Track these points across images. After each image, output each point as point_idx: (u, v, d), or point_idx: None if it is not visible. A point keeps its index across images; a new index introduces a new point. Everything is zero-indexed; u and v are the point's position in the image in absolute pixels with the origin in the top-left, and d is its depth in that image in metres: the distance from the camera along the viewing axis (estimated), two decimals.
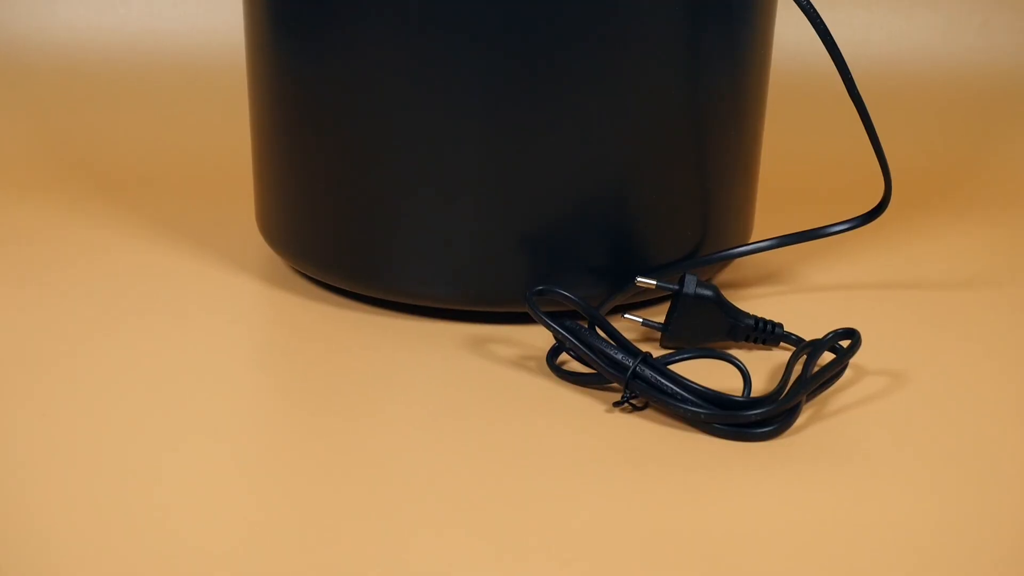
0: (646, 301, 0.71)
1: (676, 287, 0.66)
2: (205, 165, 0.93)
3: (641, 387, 0.59)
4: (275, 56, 0.69)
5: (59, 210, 0.85)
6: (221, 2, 1.10)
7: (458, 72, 0.64)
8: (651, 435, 0.58)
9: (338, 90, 0.66)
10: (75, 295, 0.72)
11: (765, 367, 0.65)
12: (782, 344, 0.67)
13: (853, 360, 0.64)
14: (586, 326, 0.62)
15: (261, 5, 0.69)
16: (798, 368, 0.62)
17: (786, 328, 0.68)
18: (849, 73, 0.67)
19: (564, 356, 0.65)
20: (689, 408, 0.58)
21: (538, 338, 0.67)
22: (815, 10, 0.65)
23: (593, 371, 0.62)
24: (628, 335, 0.67)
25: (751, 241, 0.75)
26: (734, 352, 0.67)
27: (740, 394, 0.60)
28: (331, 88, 0.66)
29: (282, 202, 0.72)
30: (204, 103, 1.02)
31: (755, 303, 0.73)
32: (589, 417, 0.60)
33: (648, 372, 0.60)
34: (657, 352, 0.66)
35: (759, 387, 0.63)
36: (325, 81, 0.67)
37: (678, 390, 0.59)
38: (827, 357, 0.64)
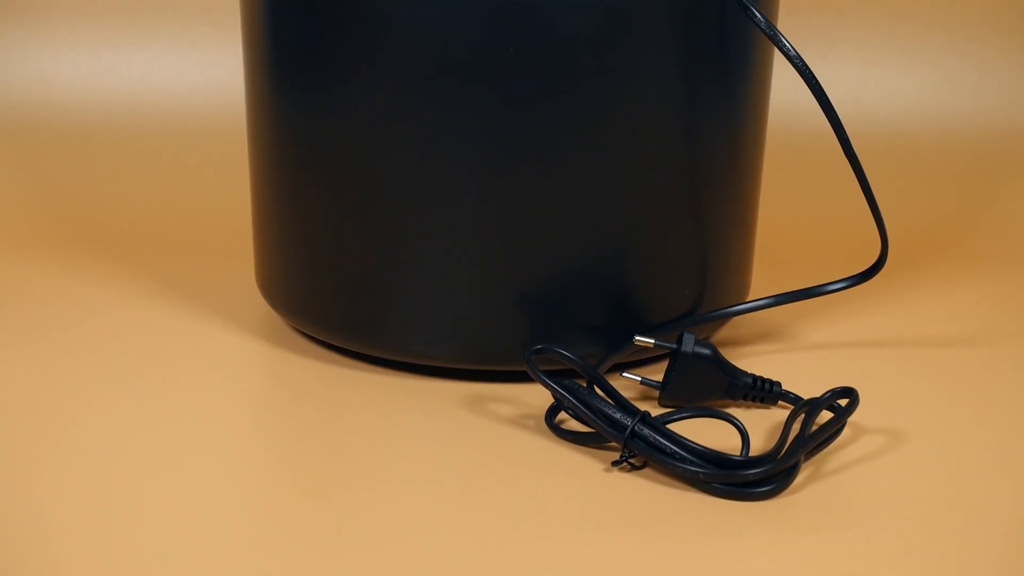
0: (644, 359, 0.71)
1: (674, 346, 0.66)
2: (205, 224, 0.93)
3: (640, 446, 0.59)
4: (274, 115, 0.70)
5: (58, 268, 0.85)
6: (221, 61, 1.10)
7: (457, 133, 0.64)
8: (650, 495, 0.58)
9: (336, 149, 0.67)
10: (73, 354, 0.72)
11: (763, 426, 0.65)
12: (780, 402, 0.67)
13: (851, 419, 0.64)
14: (584, 385, 0.63)
15: (261, 64, 0.70)
16: (796, 427, 0.62)
17: (784, 386, 0.68)
18: (844, 132, 0.67)
19: (563, 415, 0.65)
20: (688, 468, 0.58)
21: (537, 397, 0.67)
22: (811, 71, 0.65)
23: (592, 430, 0.62)
24: (626, 393, 0.67)
25: (749, 299, 0.75)
26: (732, 410, 0.67)
27: (739, 453, 0.60)
28: (329, 147, 0.67)
29: (281, 261, 0.72)
30: (204, 161, 1.03)
31: (753, 361, 0.73)
32: (588, 476, 0.60)
33: (647, 431, 0.60)
34: (656, 411, 0.66)
35: (757, 446, 0.63)
36: (324, 140, 0.67)
37: (677, 449, 0.59)
38: (825, 416, 0.64)
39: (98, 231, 0.92)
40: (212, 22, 1.12)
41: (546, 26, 0.63)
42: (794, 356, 0.74)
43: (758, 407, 0.68)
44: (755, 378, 0.67)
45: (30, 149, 1.04)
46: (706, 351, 0.66)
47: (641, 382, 0.67)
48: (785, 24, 1.11)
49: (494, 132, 0.64)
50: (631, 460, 0.60)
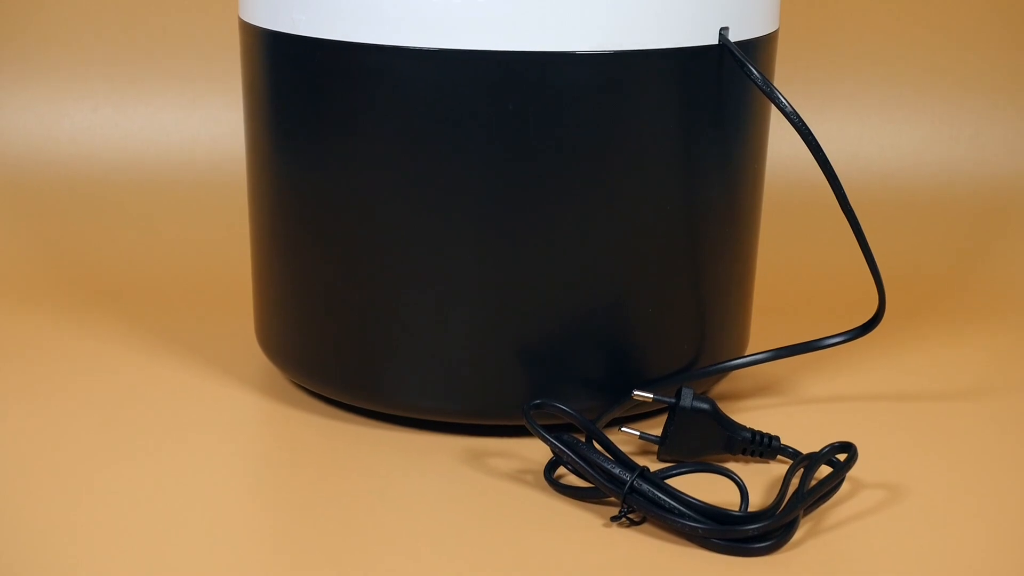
0: (643, 414, 0.71)
1: (673, 400, 0.66)
2: (205, 278, 0.94)
3: (639, 502, 0.59)
4: (274, 170, 0.70)
5: (58, 322, 0.85)
6: (222, 116, 1.11)
7: (455, 189, 0.65)
8: (649, 550, 0.58)
9: (334, 205, 0.67)
10: (72, 409, 0.72)
11: (762, 480, 0.65)
12: (779, 457, 0.67)
13: (850, 473, 0.64)
14: (583, 440, 0.63)
15: (261, 120, 0.71)
16: (795, 482, 0.62)
17: (783, 441, 0.68)
18: (841, 187, 0.67)
19: (562, 470, 0.65)
20: (687, 523, 0.58)
21: (536, 451, 0.67)
22: (807, 126, 0.66)
23: (591, 485, 0.62)
24: (625, 448, 0.67)
25: (747, 353, 0.75)
26: (731, 465, 0.67)
27: (738, 508, 0.60)
28: (328, 203, 0.67)
29: (280, 315, 0.72)
30: (204, 216, 1.03)
31: (751, 415, 0.73)
32: (587, 531, 0.60)
33: (645, 487, 0.60)
34: (655, 465, 0.66)
35: (756, 501, 0.63)
36: (322, 195, 0.67)
37: (676, 505, 0.59)
38: (824, 470, 0.64)
39: (98, 285, 0.92)
40: (213, 78, 1.12)
41: (544, 81, 0.63)
42: (793, 410, 0.74)
43: (757, 461, 0.68)
44: (754, 432, 0.67)
45: (31, 203, 1.05)
46: (705, 406, 0.66)
47: (640, 436, 0.67)
48: (782, 77, 1.12)
49: (492, 187, 0.64)
50: (630, 515, 0.60)
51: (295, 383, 0.76)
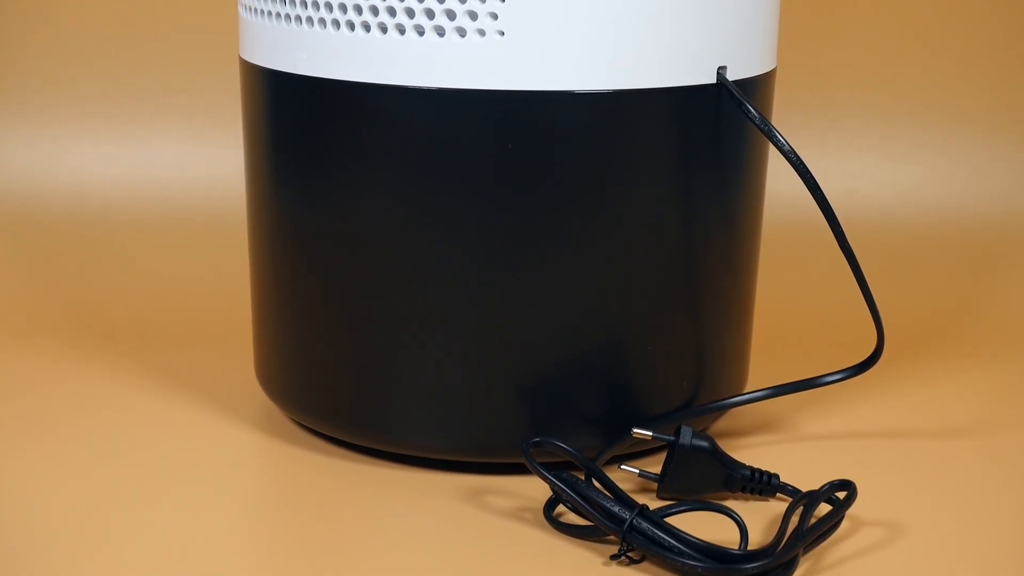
0: (643, 451, 0.71)
1: (672, 438, 0.66)
2: (205, 315, 0.94)
3: (638, 540, 0.59)
4: (274, 207, 0.70)
5: (57, 359, 0.85)
6: (222, 154, 1.11)
7: (454, 227, 0.65)
8: None
9: (333, 242, 0.67)
10: (71, 447, 0.72)
11: (762, 518, 0.65)
12: (778, 495, 0.67)
13: (850, 511, 0.64)
14: (583, 478, 0.63)
15: (262, 158, 0.71)
16: (795, 520, 0.62)
17: (782, 478, 0.68)
18: (839, 227, 0.68)
19: (561, 508, 0.65)
20: (686, 562, 0.58)
21: (535, 489, 0.67)
22: (805, 165, 0.66)
23: (590, 523, 0.62)
24: (625, 486, 0.67)
25: (746, 390, 0.75)
26: (730, 503, 0.67)
27: (737, 546, 0.60)
28: (327, 240, 0.67)
29: (279, 352, 0.72)
30: (204, 253, 1.04)
31: (751, 452, 0.73)
32: (586, 570, 0.60)
33: (645, 525, 0.60)
34: (654, 503, 0.66)
35: (756, 539, 0.63)
36: (321, 233, 0.68)
37: (675, 543, 0.59)
38: (824, 508, 0.64)
39: (98, 322, 0.92)
40: (214, 114, 1.13)
41: (543, 120, 0.63)
42: (792, 447, 0.74)
43: (756, 499, 0.68)
44: (753, 470, 0.67)
45: (31, 240, 1.05)
46: (704, 443, 0.66)
47: (639, 474, 0.67)
48: (780, 114, 1.12)
49: (492, 226, 0.65)
50: (630, 554, 0.60)
51: (294, 420, 0.76)
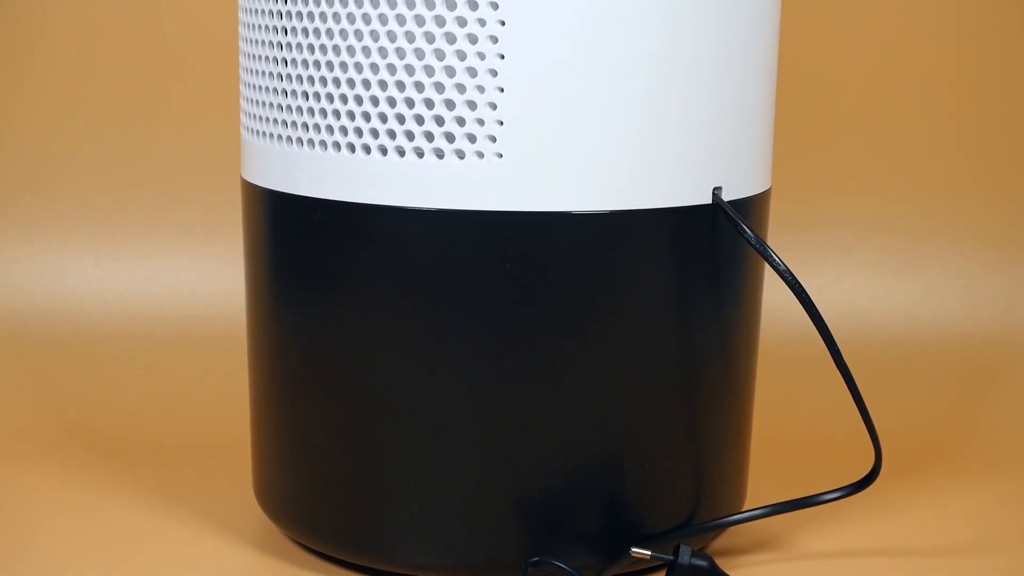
0: (641, 571, 0.71)
1: (671, 557, 0.66)
2: (204, 432, 0.94)
3: None
4: (274, 326, 0.71)
5: (58, 476, 0.85)
6: (223, 270, 1.12)
7: (451, 346, 0.65)
8: None
9: (334, 362, 0.68)
10: (71, 564, 0.72)
11: None
12: None
13: None
14: None
15: (262, 276, 0.71)
16: None
17: None
18: (836, 346, 0.68)
19: None
20: None
21: None
22: (800, 285, 0.67)
23: None
24: None
25: (745, 508, 0.75)
26: None
27: None
28: (327, 360, 0.68)
29: (279, 471, 0.72)
30: (204, 369, 1.04)
31: (750, 571, 0.73)
32: None
33: None
34: None
35: None
36: (322, 353, 0.68)
37: None
38: None
39: (97, 438, 0.92)
40: (214, 231, 1.14)
41: (541, 240, 0.64)
42: (791, 566, 0.74)
43: None
44: None
45: (32, 355, 1.05)
46: (703, 563, 0.66)
47: None
48: (776, 230, 1.13)
49: (489, 345, 0.65)
50: None
51: (293, 539, 0.75)
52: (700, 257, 0.68)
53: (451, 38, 0.62)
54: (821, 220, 1.15)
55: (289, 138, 0.68)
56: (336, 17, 0.64)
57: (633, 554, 0.67)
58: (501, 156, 0.63)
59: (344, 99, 0.65)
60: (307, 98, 0.66)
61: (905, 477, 0.88)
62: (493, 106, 0.63)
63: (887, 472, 0.89)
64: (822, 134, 1.15)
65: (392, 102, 0.64)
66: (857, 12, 1.14)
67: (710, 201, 0.67)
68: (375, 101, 0.64)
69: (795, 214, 1.14)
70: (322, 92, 0.65)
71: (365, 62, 0.64)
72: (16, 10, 1.15)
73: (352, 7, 0.64)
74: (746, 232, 0.67)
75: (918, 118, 1.15)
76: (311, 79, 0.66)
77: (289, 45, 0.67)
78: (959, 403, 1.01)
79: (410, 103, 0.63)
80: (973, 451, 0.93)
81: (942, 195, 1.15)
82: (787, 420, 0.97)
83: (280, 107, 0.68)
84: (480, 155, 0.63)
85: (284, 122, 0.68)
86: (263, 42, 0.68)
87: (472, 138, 0.63)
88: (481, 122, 0.63)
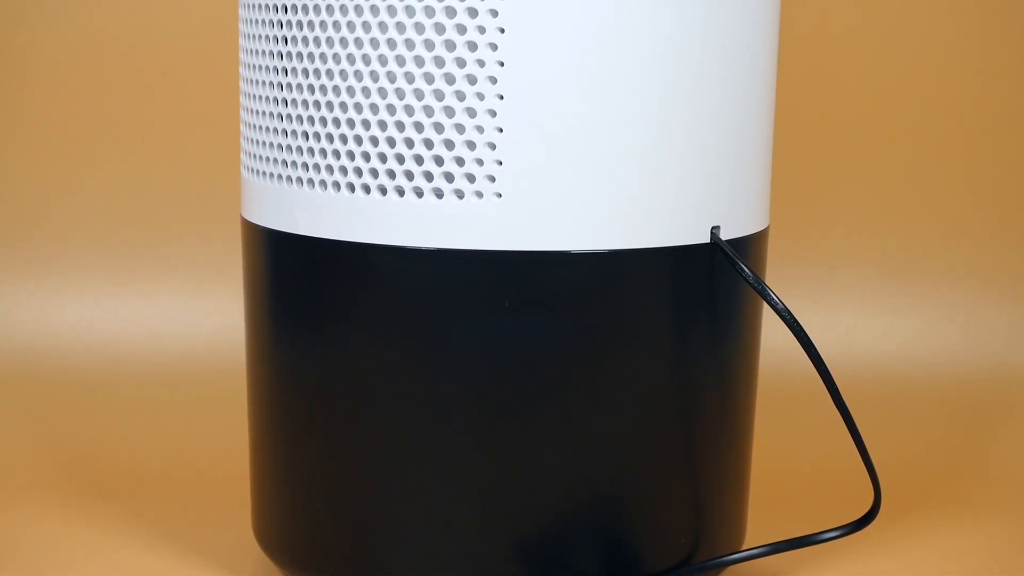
0: None
1: None
2: (204, 469, 0.94)
3: None
4: (273, 364, 0.71)
5: (56, 514, 0.85)
6: (222, 307, 1.12)
7: (450, 385, 0.65)
8: None
9: (333, 400, 0.68)
10: None
11: None
12: None
13: None
14: None
15: (262, 315, 0.71)
16: None
17: None
18: (834, 384, 0.68)
19: None
20: None
21: None
22: (799, 324, 0.67)
23: None
24: None
25: (744, 547, 0.75)
26: None
27: None
28: (326, 398, 0.68)
29: (278, 509, 0.72)
30: (204, 407, 1.04)
31: None
32: None
33: None
34: None
35: None
36: (321, 392, 0.68)
37: None
38: None
39: (95, 476, 0.92)
40: (214, 268, 1.14)
41: (539, 280, 0.64)
42: None
43: None
44: None
45: (31, 394, 1.05)
46: None
47: None
48: (774, 267, 1.13)
49: (489, 383, 0.65)
50: None
51: None
52: (699, 296, 0.68)
53: (450, 79, 0.63)
54: (819, 258, 1.15)
55: (289, 177, 0.68)
56: (336, 57, 0.65)
57: None
58: (500, 196, 0.63)
59: (344, 139, 0.65)
60: (307, 138, 0.66)
61: (905, 515, 0.87)
62: (492, 146, 0.63)
63: (886, 510, 0.89)
64: (820, 173, 1.16)
65: (392, 142, 0.64)
66: (854, 51, 1.14)
67: (708, 240, 0.67)
68: (375, 141, 0.64)
69: (793, 252, 1.14)
70: (322, 132, 0.66)
71: (365, 102, 0.64)
72: (16, 47, 1.15)
73: (352, 47, 0.64)
74: (744, 271, 0.67)
75: (916, 156, 1.16)
76: (311, 119, 0.66)
77: (289, 85, 0.67)
78: (958, 441, 1.01)
79: (409, 143, 0.64)
80: (973, 489, 0.93)
81: (940, 233, 1.15)
82: (786, 459, 0.97)
83: (280, 147, 0.68)
84: (479, 195, 0.63)
85: (284, 162, 0.68)
86: (263, 82, 0.69)
87: (471, 178, 0.63)
88: (480, 162, 0.63)
